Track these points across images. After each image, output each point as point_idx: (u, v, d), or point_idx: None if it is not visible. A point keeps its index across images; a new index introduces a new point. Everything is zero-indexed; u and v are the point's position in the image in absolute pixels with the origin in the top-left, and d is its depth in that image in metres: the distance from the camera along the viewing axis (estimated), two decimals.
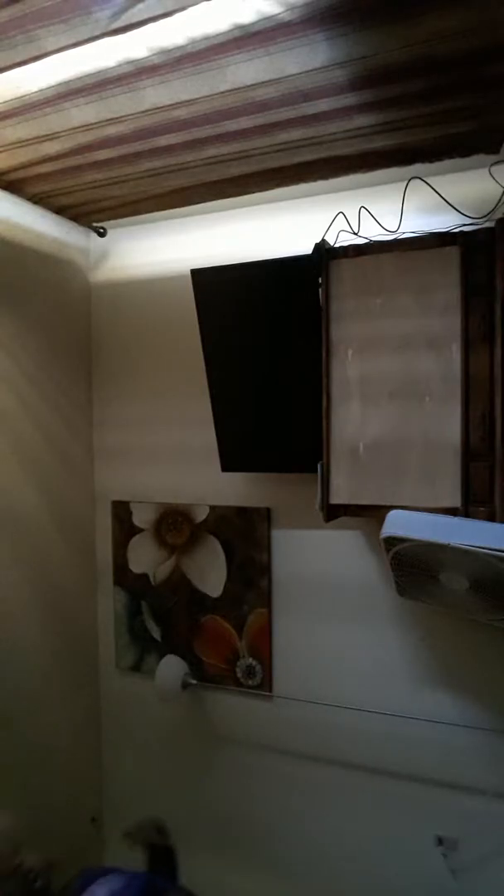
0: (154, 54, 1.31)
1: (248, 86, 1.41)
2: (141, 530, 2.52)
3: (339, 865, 2.20)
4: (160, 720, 2.50)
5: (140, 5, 1.16)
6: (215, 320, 2.07)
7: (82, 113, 1.55)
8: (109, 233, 2.53)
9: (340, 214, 1.96)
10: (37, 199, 2.15)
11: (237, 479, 2.26)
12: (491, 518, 1.68)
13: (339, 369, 1.86)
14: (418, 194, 1.87)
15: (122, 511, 2.56)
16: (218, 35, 1.25)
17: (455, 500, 1.74)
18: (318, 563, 2.20)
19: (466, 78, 1.40)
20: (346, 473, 1.90)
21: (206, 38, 1.25)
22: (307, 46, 1.28)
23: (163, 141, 1.68)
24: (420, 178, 1.85)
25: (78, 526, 2.54)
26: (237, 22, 1.21)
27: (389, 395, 1.83)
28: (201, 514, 2.39)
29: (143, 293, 2.49)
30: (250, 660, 2.31)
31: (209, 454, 2.18)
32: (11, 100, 1.49)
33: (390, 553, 1.63)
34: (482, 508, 1.71)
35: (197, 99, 1.47)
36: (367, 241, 1.90)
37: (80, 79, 1.40)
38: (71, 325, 2.52)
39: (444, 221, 1.83)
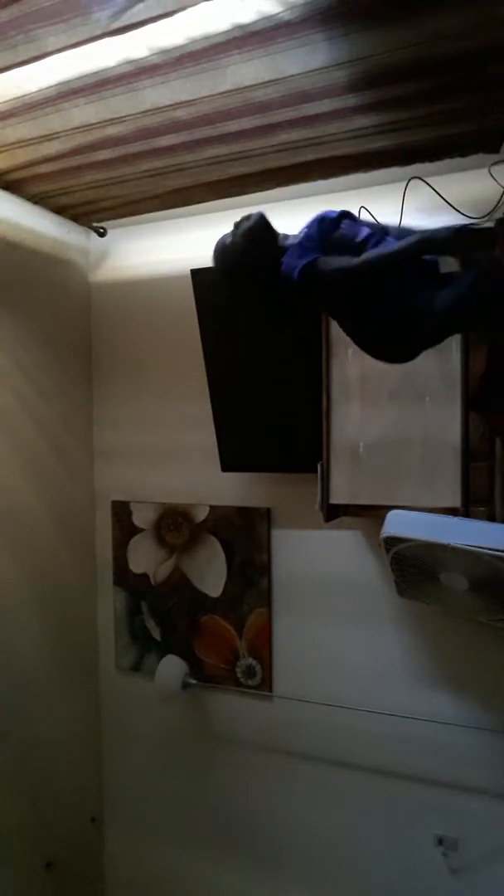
0: (154, 54, 1.31)
1: (249, 86, 1.41)
2: (141, 530, 2.52)
3: (339, 865, 2.20)
4: (160, 720, 2.50)
5: (140, 5, 1.17)
6: (215, 320, 2.06)
7: (82, 113, 1.55)
8: (109, 233, 2.52)
9: None
10: (37, 199, 2.14)
11: (237, 479, 2.26)
12: (491, 518, 1.68)
13: (339, 369, 1.86)
14: (418, 194, 1.86)
15: (122, 511, 2.56)
16: (218, 35, 1.25)
17: (455, 500, 1.74)
18: (318, 563, 2.20)
19: (466, 78, 1.40)
20: (346, 473, 1.90)
21: (206, 37, 1.26)
22: (307, 47, 1.28)
23: (163, 141, 1.68)
24: (420, 178, 1.84)
25: (78, 526, 2.54)
26: (237, 22, 1.21)
27: (389, 395, 1.83)
28: (201, 514, 2.39)
29: (143, 293, 2.49)
30: (250, 660, 2.31)
31: (209, 454, 2.18)
32: (12, 100, 1.50)
33: (390, 553, 1.63)
34: (482, 508, 1.71)
35: (197, 99, 1.47)
36: None
37: (80, 79, 1.41)
38: (71, 325, 2.51)
39: (444, 221, 1.81)
